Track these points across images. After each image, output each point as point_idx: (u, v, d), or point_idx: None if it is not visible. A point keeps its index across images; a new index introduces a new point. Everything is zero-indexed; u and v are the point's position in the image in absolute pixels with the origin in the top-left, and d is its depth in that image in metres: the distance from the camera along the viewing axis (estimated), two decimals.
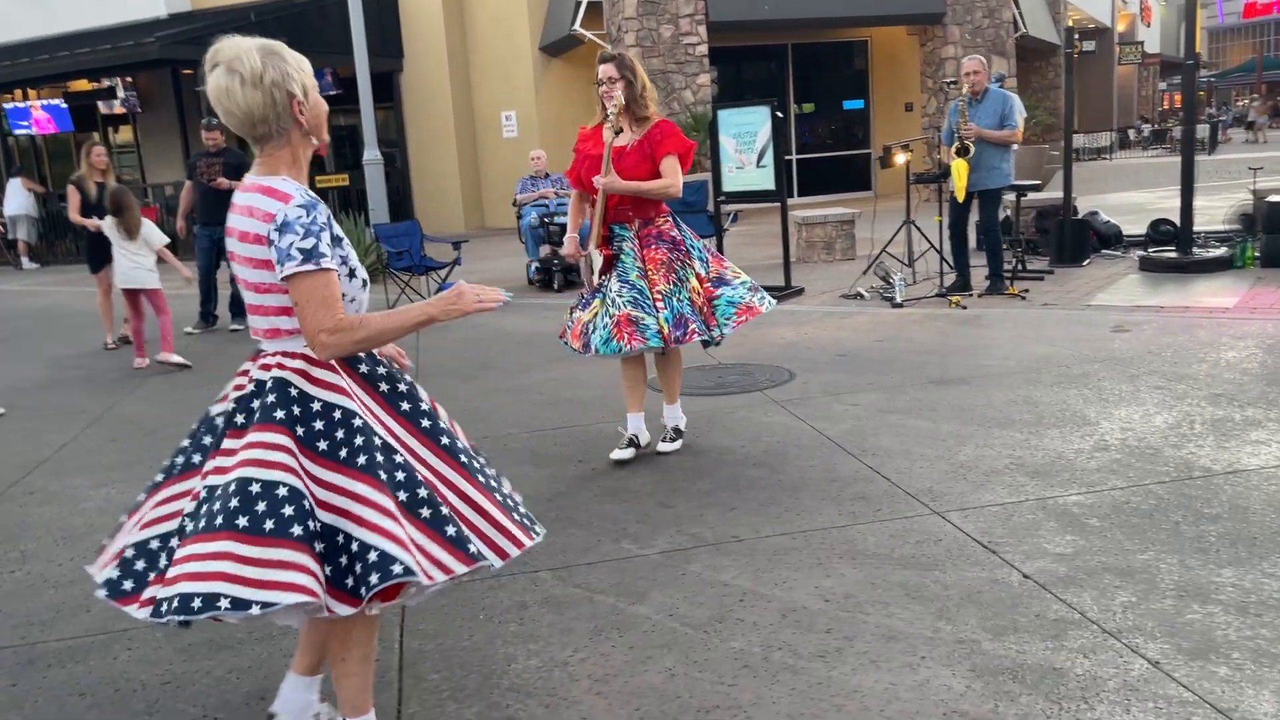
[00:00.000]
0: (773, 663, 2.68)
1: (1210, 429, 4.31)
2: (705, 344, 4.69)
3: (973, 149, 7.55)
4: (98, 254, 8.17)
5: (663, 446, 4.63)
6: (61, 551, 3.86)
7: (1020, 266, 8.51)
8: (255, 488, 2.03)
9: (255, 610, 1.96)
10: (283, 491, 2.04)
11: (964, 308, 7.48)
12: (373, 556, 2.03)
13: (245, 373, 2.23)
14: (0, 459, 5.23)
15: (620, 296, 4.29)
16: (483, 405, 5.65)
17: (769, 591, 3.10)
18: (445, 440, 2.30)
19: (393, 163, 17.80)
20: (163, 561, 2.14)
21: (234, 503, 2.02)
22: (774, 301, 4.66)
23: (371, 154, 11.87)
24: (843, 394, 5.32)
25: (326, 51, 16.99)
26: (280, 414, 2.11)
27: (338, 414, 2.14)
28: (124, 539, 2.24)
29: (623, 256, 4.40)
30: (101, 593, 2.21)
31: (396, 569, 2.02)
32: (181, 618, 1.99)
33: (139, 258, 7.40)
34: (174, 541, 2.13)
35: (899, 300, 7.80)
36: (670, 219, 4.53)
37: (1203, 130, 24.54)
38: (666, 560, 3.39)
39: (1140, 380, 5.14)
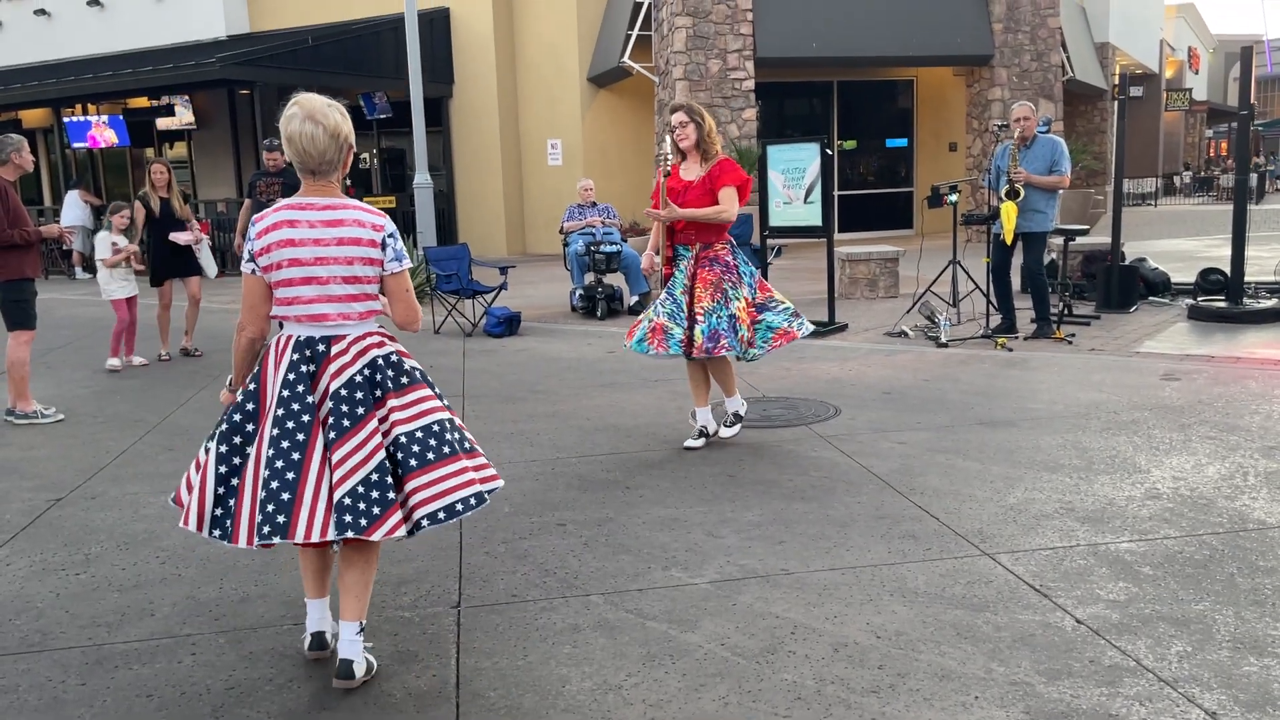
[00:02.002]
0: (826, 696, 2.70)
1: (1264, 482, 4.28)
2: (738, 358, 5.16)
3: (1022, 192, 7.57)
4: (162, 268, 8.44)
5: (724, 432, 5.29)
6: (125, 556, 3.96)
7: (1067, 311, 8.49)
8: (447, 424, 2.90)
9: (488, 499, 2.91)
10: (457, 422, 2.99)
11: (1010, 350, 7.47)
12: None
13: (340, 356, 2.80)
14: (61, 464, 5.37)
15: (662, 307, 5.04)
16: (529, 429, 5.72)
17: (820, 625, 3.12)
18: None
19: (439, 186, 18.07)
20: (390, 494, 2.75)
21: (450, 435, 2.88)
22: (811, 326, 5.31)
23: (422, 178, 12.09)
24: (889, 431, 5.33)
25: (380, 75, 17.35)
26: (417, 375, 2.92)
27: (419, 371, 2.96)
28: (320, 494, 2.72)
29: (677, 273, 5.08)
30: (338, 533, 2.70)
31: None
32: (467, 512, 2.84)
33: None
34: (387, 478, 2.75)
35: (944, 340, 7.80)
36: (729, 246, 5.15)
37: (1251, 180, 24.30)
38: (717, 590, 3.43)
39: (1191, 430, 5.12)
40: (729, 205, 4.96)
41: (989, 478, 4.49)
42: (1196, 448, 4.81)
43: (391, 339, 2.93)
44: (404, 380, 2.87)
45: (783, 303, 5.19)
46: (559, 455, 5.18)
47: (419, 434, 2.82)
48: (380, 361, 2.84)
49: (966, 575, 3.46)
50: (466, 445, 2.96)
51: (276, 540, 2.68)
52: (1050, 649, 2.91)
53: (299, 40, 16.65)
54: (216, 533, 2.78)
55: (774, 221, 9.03)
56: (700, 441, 5.18)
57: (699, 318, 4.93)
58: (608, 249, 10.03)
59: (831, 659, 2.90)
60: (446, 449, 2.85)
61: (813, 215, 8.71)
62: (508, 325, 9.31)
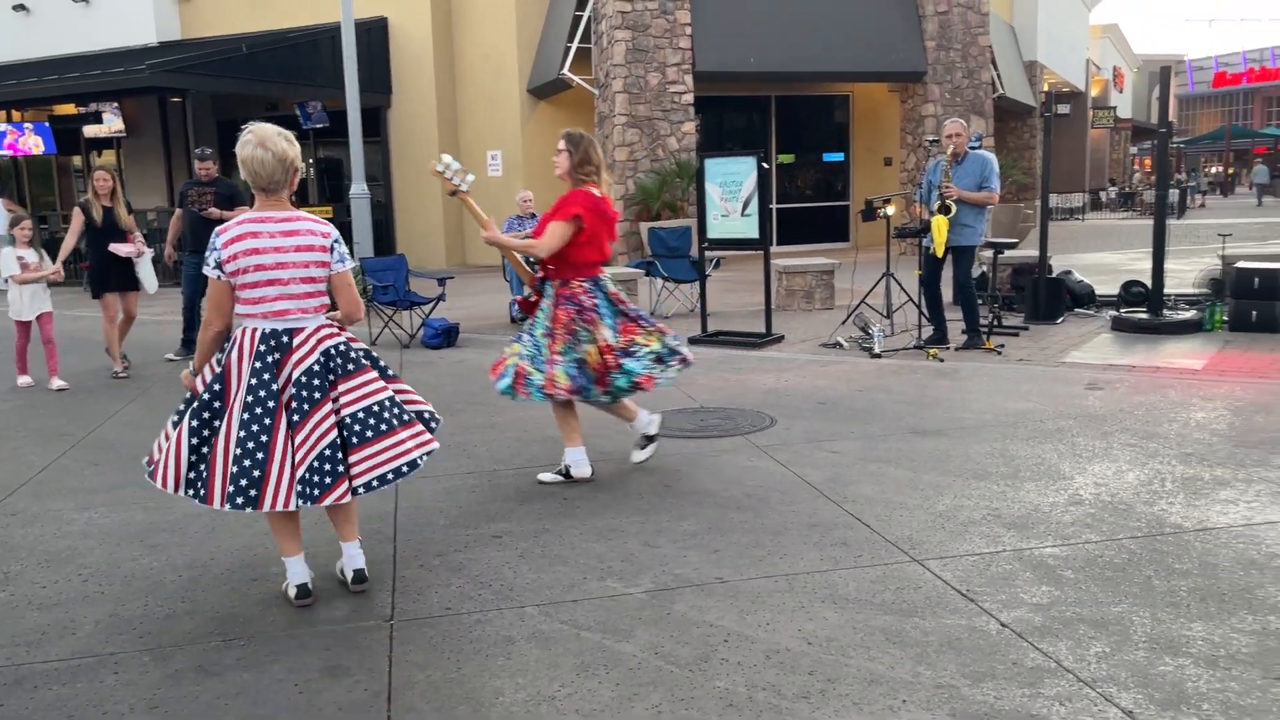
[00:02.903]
0: (757, 702, 2.74)
1: (1181, 487, 4.43)
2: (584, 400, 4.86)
3: (954, 208, 7.74)
4: (102, 280, 8.17)
5: (637, 455, 5.07)
6: (46, 574, 3.86)
7: (996, 322, 8.69)
8: (388, 401, 3.45)
9: (421, 464, 3.48)
10: (398, 398, 3.52)
11: (941, 360, 7.62)
12: (426, 414, 3.73)
13: (301, 345, 3.34)
14: None
15: (524, 347, 4.76)
16: (466, 440, 5.69)
17: (753, 633, 3.16)
18: None
19: (377, 197, 17.90)
20: (340, 468, 3.32)
21: (387, 414, 3.43)
22: (673, 376, 5.01)
23: (359, 188, 11.95)
24: (823, 441, 5.41)
25: (316, 84, 17.16)
26: (365, 361, 3.47)
27: (364, 357, 3.51)
28: (285, 469, 3.26)
29: (539, 311, 4.80)
30: (300, 502, 3.27)
31: (438, 416, 3.79)
32: (400, 479, 3.42)
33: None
34: (338, 453, 3.32)
35: (878, 351, 7.94)
36: (587, 284, 4.75)
37: (1172, 195, 25.10)
38: (652, 599, 3.45)
39: (1113, 437, 5.27)
40: (542, 240, 4.63)
41: (919, 485, 4.58)
42: (1118, 455, 4.95)
43: (341, 329, 3.48)
44: (350, 366, 3.42)
45: (646, 346, 4.83)
46: (496, 467, 5.17)
47: (361, 414, 3.38)
48: (333, 350, 3.39)
49: (896, 581, 3.52)
50: (405, 417, 3.49)
51: (249, 510, 3.24)
52: (975, 652, 2.98)
53: (233, 48, 16.40)
54: (189, 493, 3.30)
55: (712, 233, 9.11)
56: (556, 478, 4.85)
57: (556, 358, 4.66)
58: None
59: (763, 666, 2.94)
60: (384, 425, 3.41)
61: (750, 227, 8.81)
62: (446, 337, 9.26)
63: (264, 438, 3.24)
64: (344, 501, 3.35)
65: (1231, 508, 4.14)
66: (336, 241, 3.45)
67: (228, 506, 3.23)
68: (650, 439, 5.08)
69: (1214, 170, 52.91)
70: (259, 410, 3.25)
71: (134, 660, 3.11)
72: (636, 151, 16.01)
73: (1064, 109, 9.08)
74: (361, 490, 3.37)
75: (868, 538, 3.95)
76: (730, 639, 3.12)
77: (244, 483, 3.22)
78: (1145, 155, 49.76)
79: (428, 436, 3.55)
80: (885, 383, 6.95)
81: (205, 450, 3.29)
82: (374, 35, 17.96)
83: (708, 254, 9.64)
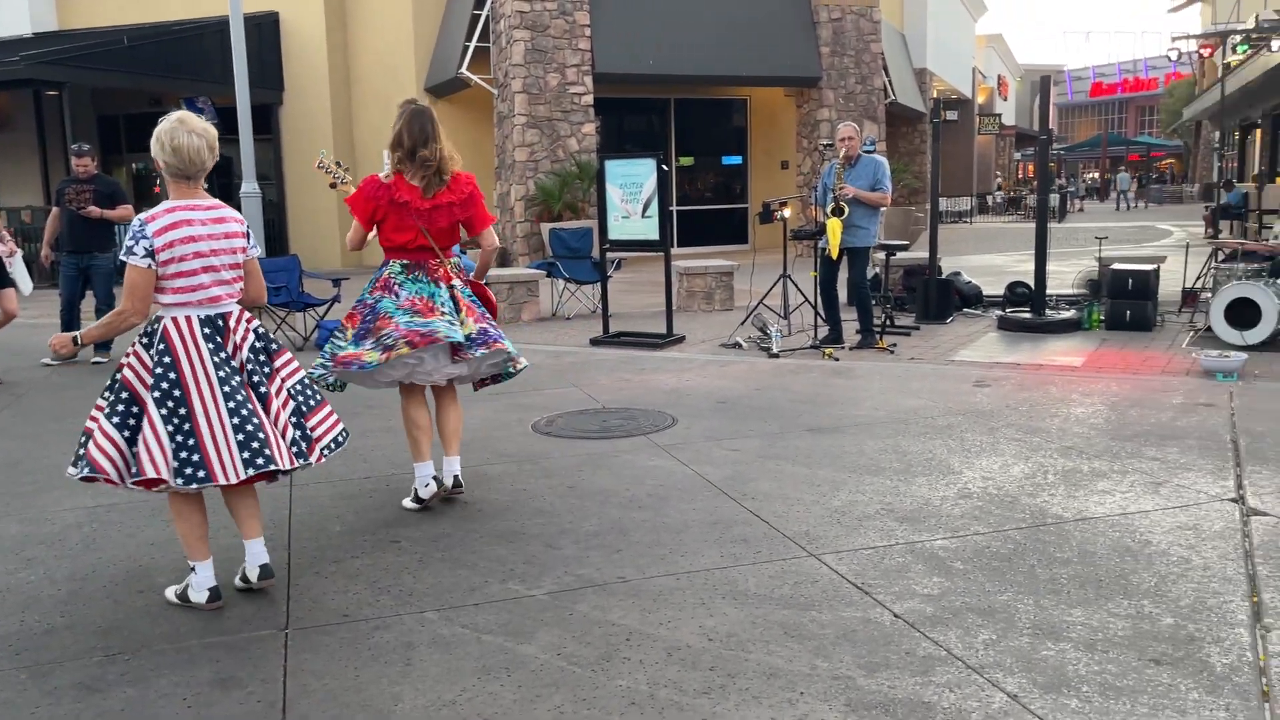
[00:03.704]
0: (659, 700, 2.75)
1: (1062, 479, 4.62)
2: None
3: (847, 210, 7.93)
4: None
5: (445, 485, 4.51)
6: None
7: (889, 322, 8.93)
8: (308, 378, 3.68)
9: (347, 437, 3.72)
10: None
11: (836, 360, 7.80)
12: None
13: (235, 328, 3.44)
14: None
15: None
16: (363, 445, 5.58)
17: (655, 631, 3.18)
18: None
19: (269, 196, 17.41)
20: (309, 430, 3.53)
21: (313, 388, 3.65)
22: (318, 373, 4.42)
23: (249, 187, 11.63)
24: (723, 439, 5.48)
25: (204, 79, 16.61)
26: (281, 343, 3.70)
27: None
28: (277, 433, 3.40)
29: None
30: (248, 470, 3.29)
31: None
32: (337, 449, 3.63)
33: None
34: (302, 419, 3.52)
35: (775, 351, 8.07)
36: (374, 279, 4.48)
37: (1053, 199, 26.18)
38: (554, 601, 3.44)
39: (999, 432, 5.47)
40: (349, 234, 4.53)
41: (816, 482, 4.67)
42: (1003, 449, 5.14)
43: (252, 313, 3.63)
44: (274, 345, 3.57)
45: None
46: (394, 471, 5.08)
47: (297, 385, 3.57)
48: (259, 331, 3.53)
49: (794, 576, 3.59)
50: (320, 398, 3.70)
51: (270, 469, 3.31)
52: (870, 643, 3.05)
53: (113, 40, 15.76)
54: (180, 480, 3.24)
55: (613, 235, 9.14)
56: (416, 505, 4.49)
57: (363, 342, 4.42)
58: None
59: (665, 663, 2.96)
60: (317, 396, 3.65)
61: (651, 229, 8.86)
62: None
63: (251, 406, 3.35)
64: (321, 463, 3.57)
65: (1108, 498, 4.34)
66: (249, 228, 3.58)
67: (249, 471, 3.28)
68: (460, 485, 4.52)
69: (1092, 176, 55.34)
70: (235, 382, 3.35)
71: (10, 679, 2.96)
72: (537, 152, 15.96)
73: (952, 115, 9.40)
74: (328, 451, 3.58)
75: (766, 533, 4.02)
76: (632, 638, 3.14)
77: (255, 445, 3.30)
78: (1029, 161, 51.77)
79: (336, 416, 3.74)
80: (783, 382, 7.08)
81: (182, 438, 3.26)
82: (264, 30, 17.48)
83: (609, 255, 9.67)
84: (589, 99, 16.28)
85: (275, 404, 3.46)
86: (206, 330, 3.37)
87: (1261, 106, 21.26)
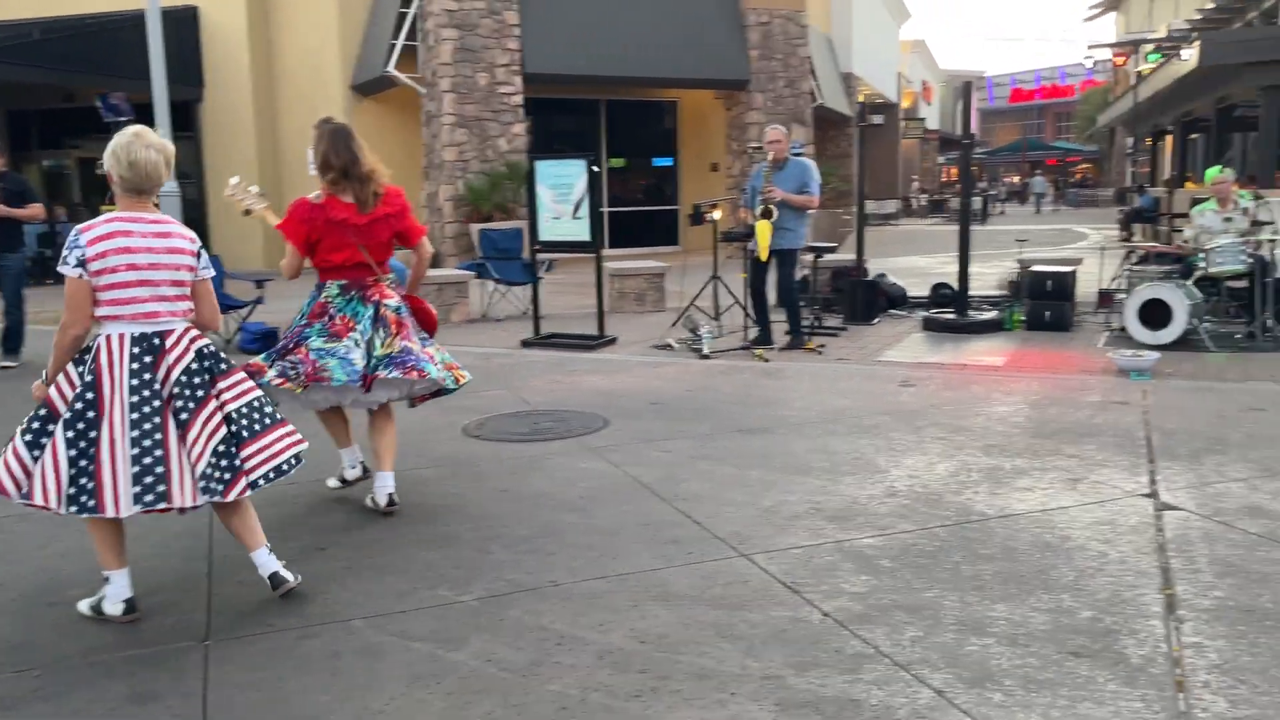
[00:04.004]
0: (590, 704, 2.74)
1: (985, 477, 4.72)
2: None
3: (776, 212, 8.00)
4: None
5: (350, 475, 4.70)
6: None
7: (817, 323, 9.04)
8: (263, 400, 3.53)
9: (303, 458, 3.58)
10: (267, 398, 3.60)
11: (766, 361, 7.87)
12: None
13: (173, 348, 3.30)
14: None
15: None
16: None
17: (586, 634, 3.17)
18: None
19: (189, 194, 16.97)
20: (237, 462, 3.35)
21: (266, 409, 3.50)
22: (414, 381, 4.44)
23: (168, 185, 11.29)
24: (655, 441, 5.49)
25: (120, 75, 16.10)
26: (233, 363, 3.53)
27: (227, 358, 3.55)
28: (185, 466, 3.23)
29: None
30: (205, 498, 3.25)
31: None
32: (282, 475, 3.47)
33: None
34: (233, 448, 3.35)
35: (706, 352, 8.12)
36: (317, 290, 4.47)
37: (975, 202, 26.79)
38: (485, 606, 3.41)
39: (924, 431, 5.57)
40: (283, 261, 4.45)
41: (746, 482, 4.71)
42: (929, 448, 5.24)
43: (202, 334, 3.48)
44: (223, 366, 3.44)
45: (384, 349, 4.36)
46: (322, 477, 4.98)
47: (244, 409, 3.42)
48: (205, 351, 3.39)
49: (725, 576, 3.61)
50: (277, 417, 3.54)
51: (160, 506, 3.18)
52: (800, 642, 3.08)
53: (23, 33, 15.20)
54: (74, 508, 3.15)
55: (544, 236, 9.10)
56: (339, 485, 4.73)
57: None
58: None
59: (597, 667, 2.95)
60: (267, 420, 3.47)
61: (582, 230, 8.84)
62: (264, 342, 8.85)
63: (158, 436, 3.20)
64: (246, 494, 3.37)
65: (1029, 495, 4.44)
66: (202, 248, 3.46)
67: (137, 508, 3.16)
68: (395, 503, 4.40)
69: (1014, 180, 56.74)
70: (147, 410, 3.20)
71: None
72: (466, 152, 15.81)
73: (878, 119, 9.56)
74: (261, 482, 3.39)
75: (698, 534, 4.03)
76: (564, 642, 3.12)
77: (149, 480, 3.16)
78: (952, 164, 52.84)
79: (299, 437, 3.59)
80: (714, 383, 7.12)
81: (84, 463, 3.16)
82: (184, 25, 17.02)
83: (540, 256, 9.62)
84: (519, 99, 16.19)
85: (196, 432, 3.26)
86: (136, 350, 3.24)
87: (1172, 113, 22.04)
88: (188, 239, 3.40)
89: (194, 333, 3.41)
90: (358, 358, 4.21)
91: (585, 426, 5.86)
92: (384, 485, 4.38)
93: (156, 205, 3.43)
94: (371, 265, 4.35)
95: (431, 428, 5.88)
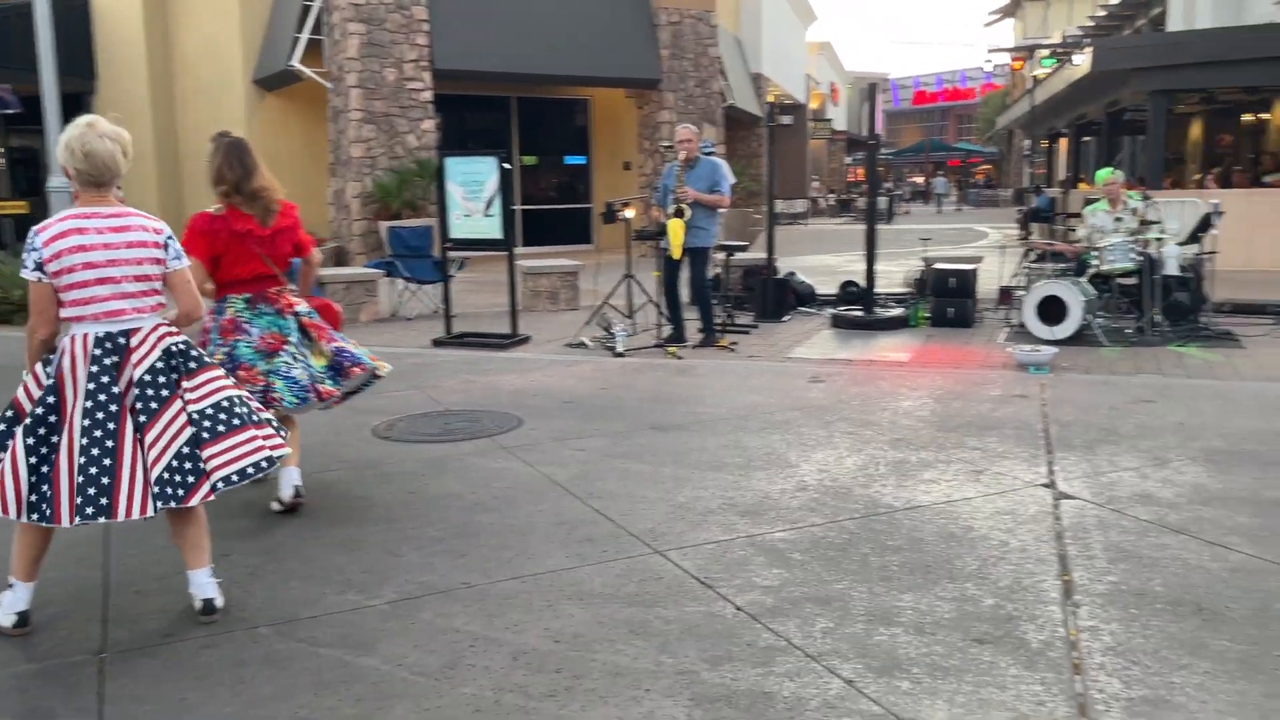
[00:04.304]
0: (505, 705, 2.72)
1: (892, 470, 4.83)
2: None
3: (688, 211, 8.05)
4: None
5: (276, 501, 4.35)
6: None
7: (729, 321, 9.12)
8: (238, 400, 3.35)
9: (277, 462, 3.42)
10: (245, 396, 3.45)
11: (680, 358, 7.91)
12: (275, 422, 3.55)
13: (139, 346, 3.18)
14: None
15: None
16: None
17: (500, 635, 3.14)
18: None
19: None
20: (201, 464, 3.17)
21: (239, 409, 3.32)
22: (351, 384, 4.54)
23: (58, 181, 10.84)
24: (569, 439, 5.47)
25: (6, 67, 15.40)
26: (207, 359, 3.40)
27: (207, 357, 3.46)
28: (137, 474, 3.08)
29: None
30: (161, 505, 3.10)
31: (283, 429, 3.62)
32: (271, 469, 3.38)
33: None
34: (196, 450, 3.17)
35: (620, 350, 8.13)
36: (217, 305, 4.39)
37: (881, 202, 27.36)
38: (395, 610, 3.35)
39: (834, 426, 5.67)
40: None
41: (660, 479, 4.72)
42: (838, 442, 5.33)
43: (177, 330, 3.33)
44: (193, 365, 3.30)
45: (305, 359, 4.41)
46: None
47: (210, 409, 3.26)
48: (173, 349, 3.26)
49: (640, 573, 3.62)
50: (255, 418, 3.37)
51: (101, 520, 3.04)
52: (714, 637, 3.11)
53: None
54: (34, 516, 3.06)
55: (455, 234, 8.99)
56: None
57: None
58: None
59: (511, 668, 2.93)
60: (236, 420, 3.29)
61: (493, 228, 8.76)
62: None
63: (110, 443, 3.07)
64: (210, 498, 3.20)
65: (934, 487, 4.56)
66: (170, 239, 3.30)
67: (78, 520, 3.03)
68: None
69: (918, 180, 58.16)
70: (101, 415, 3.08)
71: None
72: (374, 148, 15.53)
73: (787, 120, 9.68)
74: (221, 485, 3.21)
75: (612, 532, 4.03)
76: (477, 643, 3.09)
77: (92, 491, 3.03)
78: (859, 165, 53.94)
79: (279, 440, 3.44)
80: (628, 381, 7.13)
81: (45, 469, 3.08)
82: (74, 13, 16.35)
83: (451, 254, 9.51)
84: (428, 95, 15.96)
85: (156, 434, 3.13)
86: (99, 351, 3.14)
87: (1066, 116, 22.85)
88: (151, 230, 3.25)
89: (164, 330, 3.27)
90: (300, 372, 4.25)
91: (498, 426, 5.81)
92: (290, 479, 4.31)
93: (122, 199, 3.31)
94: (278, 275, 4.36)
95: (340, 429, 5.76)
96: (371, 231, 15.31)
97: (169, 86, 17.37)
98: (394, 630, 3.19)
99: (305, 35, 15.89)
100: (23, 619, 3.21)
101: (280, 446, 3.43)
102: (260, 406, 3.57)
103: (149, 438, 3.12)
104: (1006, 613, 3.24)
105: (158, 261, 3.24)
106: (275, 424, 3.51)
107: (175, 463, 3.13)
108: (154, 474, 3.10)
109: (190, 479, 3.15)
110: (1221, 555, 3.66)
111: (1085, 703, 2.67)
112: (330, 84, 16.16)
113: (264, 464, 3.31)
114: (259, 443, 3.32)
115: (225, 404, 3.30)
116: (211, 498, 3.18)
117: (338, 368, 4.39)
